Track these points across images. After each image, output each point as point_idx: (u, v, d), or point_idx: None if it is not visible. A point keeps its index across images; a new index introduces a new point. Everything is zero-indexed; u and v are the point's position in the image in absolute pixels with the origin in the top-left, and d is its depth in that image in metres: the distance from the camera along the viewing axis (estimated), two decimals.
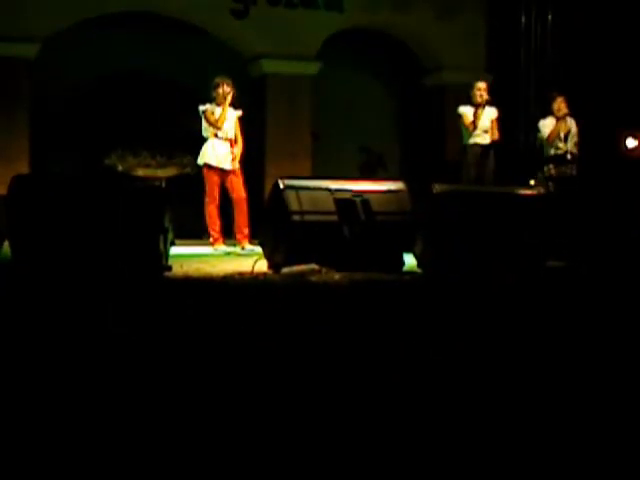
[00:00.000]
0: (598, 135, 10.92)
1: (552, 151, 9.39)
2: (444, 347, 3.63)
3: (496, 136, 9.54)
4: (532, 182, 10.42)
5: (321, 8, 11.66)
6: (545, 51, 12.14)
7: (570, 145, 9.37)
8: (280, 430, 2.39)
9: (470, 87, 9.49)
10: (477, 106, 9.42)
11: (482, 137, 9.44)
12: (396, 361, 3.38)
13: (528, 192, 7.30)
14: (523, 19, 12.19)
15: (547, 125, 9.42)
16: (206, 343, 3.66)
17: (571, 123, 9.41)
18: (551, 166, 9.30)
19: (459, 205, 6.73)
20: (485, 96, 9.44)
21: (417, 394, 2.86)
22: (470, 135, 9.42)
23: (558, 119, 9.34)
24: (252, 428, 2.40)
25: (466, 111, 9.39)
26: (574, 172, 9.32)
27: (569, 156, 9.33)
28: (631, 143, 12.53)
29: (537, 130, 9.64)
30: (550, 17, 12.11)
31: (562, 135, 9.35)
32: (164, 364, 3.24)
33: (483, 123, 9.45)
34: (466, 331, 4.03)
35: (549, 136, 9.32)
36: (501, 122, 9.69)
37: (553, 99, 9.53)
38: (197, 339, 3.75)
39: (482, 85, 9.52)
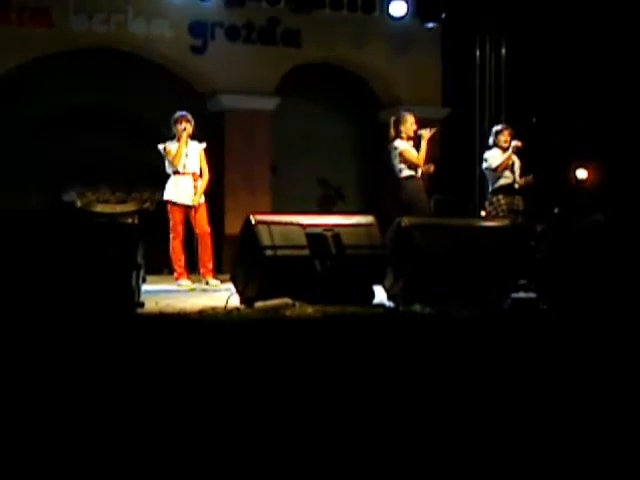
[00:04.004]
0: (549, 167, 11.12)
1: (501, 182, 9.39)
2: (420, 383, 3.70)
3: (432, 170, 9.41)
4: (483, 213, 10.53)
5: (279, 44, 11.78)
6: (499, 85, 12.37)
7: (516, 176, 9.41)
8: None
9: (399, 121, 9.31)
10: (409, 139, 9.19)
11: (420, 170, 9.32)
12: (374, 394, 3.45)
13: (495, 224, 7.43)
14: (477, 53, 12.42)
15: (495, 156, 9.39)
16: (191, 380, 3.68)
17: (514, 156, 9.44)
18: (500, 197, 9.31)
19: (428, 238, 6.82)
20: (416, 130, 9.20)
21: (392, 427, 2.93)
22: (414, 169, 9.16)
23: (504, 150, 9.36)
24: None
25: (406, 146, 9.17)
26: (521, 204, 9.33)
27: (516, 186, 9.39)
28: (581, 174, 12.80)
29: (484, 161, 9.56)
30: (504, 51, 12.35)
31: (509, 165, 9.36)
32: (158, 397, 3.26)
33: (423, 156, 9.30)
34: (436, 365, 4.11)
35: (499, 166, 9.29)
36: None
37: (500, 131, 9.52)
38: (182, 375, 3.77)
39: (413, 118, 9.34)
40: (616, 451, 2.70)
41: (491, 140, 9.49)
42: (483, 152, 9.80)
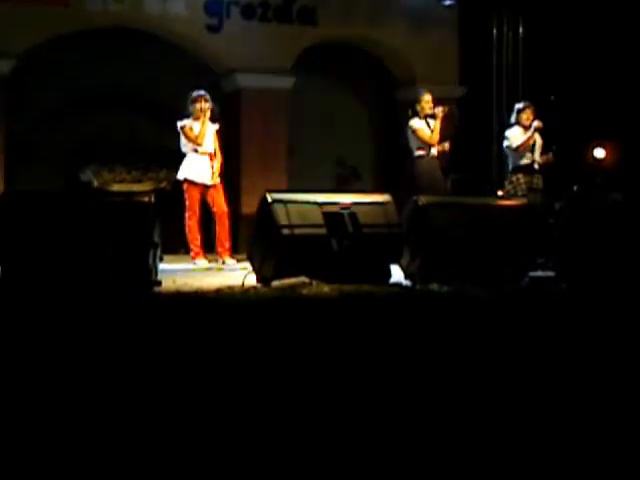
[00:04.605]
0: (566, 145, 11.03)
1: (522, 161, 9.30)
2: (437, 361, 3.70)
3: (447, 148, 9.42)
4: (500, 192, 10.46)
5: (295, 22, 11.73)
6: (517, 63, 12.29)
7: (536, 155, 9.32)
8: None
9: (416, 100, 9.38)
10: (427, 118, 9.22)
11: (435, 149, 9.31)
12: (391, 372, 3.44)
13: (512, 203, 7.39)
14: (495, 32, 12.34)
15: (516, 135, 9.31)
16: (208, 358, 3.68)
17: (536, 135, 9.33)
18: (520, 176, 9.23)
19: (445, 217, 6.80)
20: (432, 108, 9.26)
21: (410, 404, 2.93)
22: (427, 148, 9.19)
23: (526, 129, 9.26)
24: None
25: (421, 125, 9.23)
26: (541, 183, 9.26)
27: (536, 166, 9.29)
28: (599, 153, 12.71)
29: (504, 139, 9.48)
30: (521, 30, 12.26)
31: (530, 145, 9.27)
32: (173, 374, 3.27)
33: (437, 135, 9.22)
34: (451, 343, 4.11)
35: (520, 146, 9.20)
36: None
37: (523, 109, 9.42)
38: (199, 354, 3.77)
39: (430, 97, 9.38)
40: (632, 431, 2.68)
41: (513, 118, 9.37)
42: (500, 131, 9.73)
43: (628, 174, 11.48)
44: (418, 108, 9.25)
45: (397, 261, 6.88)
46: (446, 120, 9.27)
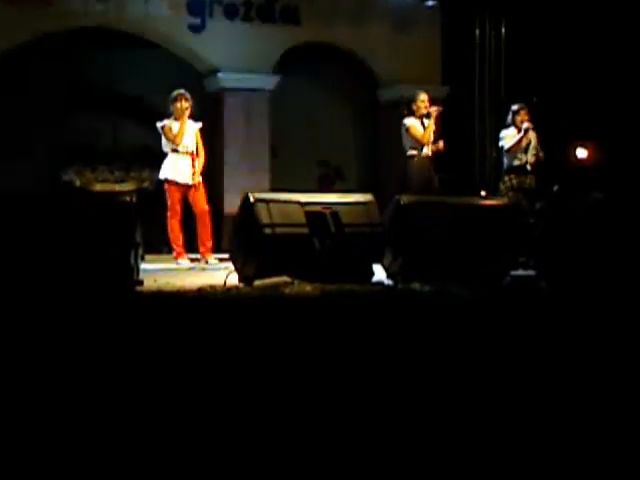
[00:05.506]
0: (549, 146, 11.07)
1: (514, 162, 9.34)
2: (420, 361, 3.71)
3: (442, 147, 9.45)
4: (483, 192, 10.50)
5: (278, 22, 11.75)
6: (499, 63, 12.33)
7: (529, 156, 9.34)
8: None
9: (412, 99, 9.43)
10: (422, 117, 9.23)
11: (428, 149, 9.32)
12: (373, 370, 3.46)
13: (494, 203, 7.42)
14: (477, 32, 12.38)
15: (510, 136, 9.35)
16: (190, 358, 3.69)
17: (532, 135, 9.36)
18: (512, 176, 9.26)
19: (427, 216, 6.82)
20: (428, 108, 9.33)
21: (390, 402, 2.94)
22: (419, 147, 9.20)
23: (520, 130, 9.30)
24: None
25: (414, 123, 9.27)
26: (533, 183, 9.30)
27: (529, 167, 9.32)
28: (581, 153, 12.78)
29: (499, 139, 9.54)
30: (503, 30, 12.31)
31: (523, 146, 9.31)
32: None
33: (430, 135, 9.28)
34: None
35: (511, 148, 9.25)
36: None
37: (517, 111, 9.44)
38: (181, 353, 3.77)
39: (426, 97, 9.41)
40: (616, 435, 2.70)
41: (509, 118, 9.42)
42: (481, 131, 9.77)
43: (609, 174, 11.54)
44: (414, 107, 9.26)
45: (379, 260, 6.89)
46: (439, 120, 9.30)
